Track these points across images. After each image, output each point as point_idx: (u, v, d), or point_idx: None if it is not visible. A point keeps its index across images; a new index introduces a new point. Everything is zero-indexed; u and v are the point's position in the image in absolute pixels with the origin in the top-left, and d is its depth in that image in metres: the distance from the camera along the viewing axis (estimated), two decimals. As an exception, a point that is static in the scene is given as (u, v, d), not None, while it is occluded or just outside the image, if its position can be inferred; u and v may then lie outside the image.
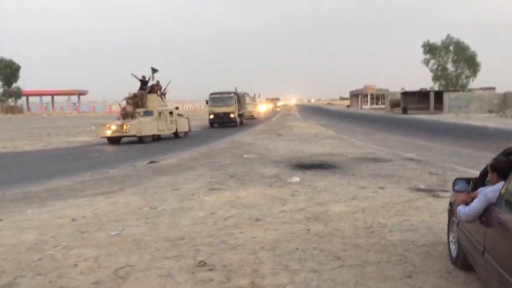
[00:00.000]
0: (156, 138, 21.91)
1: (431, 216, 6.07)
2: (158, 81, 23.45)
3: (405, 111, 54.36)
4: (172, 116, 22.36)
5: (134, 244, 5.12)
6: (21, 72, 76.99)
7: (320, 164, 11.31)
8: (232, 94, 31.64)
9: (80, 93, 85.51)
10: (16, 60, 77.27)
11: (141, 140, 20.26)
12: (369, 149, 15.28)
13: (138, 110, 21.50)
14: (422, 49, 69.77)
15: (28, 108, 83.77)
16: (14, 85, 76.79)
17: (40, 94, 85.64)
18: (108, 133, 20.07)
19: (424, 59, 69.69)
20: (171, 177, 9.82)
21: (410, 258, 4.48)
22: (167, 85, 24.13)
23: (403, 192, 7.72)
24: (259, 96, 65.51)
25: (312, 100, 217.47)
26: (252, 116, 43.19)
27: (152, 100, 22.16)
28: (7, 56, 76.50)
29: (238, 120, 31.75)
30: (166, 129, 21.95)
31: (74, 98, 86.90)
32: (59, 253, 4.83)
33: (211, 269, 4.29)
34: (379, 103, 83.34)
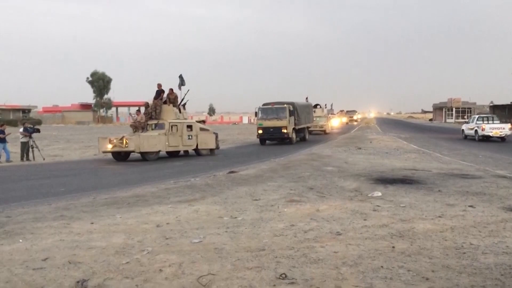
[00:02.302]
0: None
1: (529, 239, 5.58)
2: (171, 89, 20.53)
3: (494, 125, 51.08)
4: (191, 130, 19.61)
5: (215, 252, 5.19)
6: (112, 84, 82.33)
7: (403, 179, 10.87)
8: (285, 105, 26.85)
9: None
10: (108, 73, 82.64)
11: (143, 157, 17.88)
12: (455, 165, 14.48)
13: (150, 122, 19.24)
14: (514, 60, 65.57)
15: (117, 118, 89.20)
16: (106, 96, 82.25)
17: (128, 105, 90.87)
18: (109, 147, 17.80)
19: (517, 70, 65.48)
20: (250, 188, 9.90)
21: (507, 284, 4.13)
22: (186, 94, 21.12)
23: (496, 212, 7.18)
24: (331, 108, 61.82)
25: (392, 113, 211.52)
26: (324, 131, 38.64)
27: (167, 111, 19.52)
28: (100, 69, 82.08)
29: (293, 136, 27.25)
30: (181, 145, 19.40)
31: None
32: (145, 258, 5.00)
33: (292, 283, 4.22)
34: (465, 117, 79.24)
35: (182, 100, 20.79)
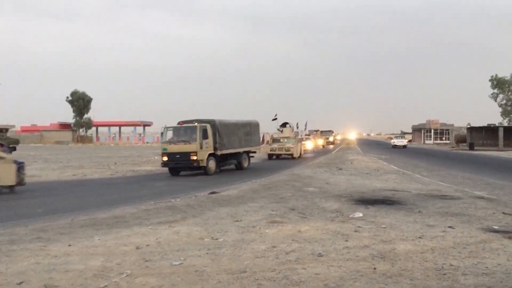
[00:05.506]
0: None
1: (508, 260, 5.65)
2: None
3: (471, 147, 52.27)
4: None
5: (196, 275, 5.11)
6: (92, 104, 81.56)
7: (384, 200, 10.95)
8: (195, 124, 20.48)
9: (145, 124, 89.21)
10: (89, 92, 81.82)
11: None
12: (434, 186, 14.67)
13: None
14: (489, 84, 67.57)
15: (97, 138, 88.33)
16: (86, 116, 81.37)
17: (109, 124, 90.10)
18: None
19: (492, 94, 67.54)
20: (231, 208, 9.84)
21: (487, 305, 4.15)
22: None
23: (475, 233, 7.27)
24: (304, 128, 54.16)
25: (372, 134, 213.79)
26: (291, 154, 31.64)
27: None
28: (80, 88, 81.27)
29: (210, 164, 20.65)
30: None
31: (139, 129, 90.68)
32: (124, 281, 4.90)
33: (274, 305, 4.18)
34: (443, 138, 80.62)
35: None
